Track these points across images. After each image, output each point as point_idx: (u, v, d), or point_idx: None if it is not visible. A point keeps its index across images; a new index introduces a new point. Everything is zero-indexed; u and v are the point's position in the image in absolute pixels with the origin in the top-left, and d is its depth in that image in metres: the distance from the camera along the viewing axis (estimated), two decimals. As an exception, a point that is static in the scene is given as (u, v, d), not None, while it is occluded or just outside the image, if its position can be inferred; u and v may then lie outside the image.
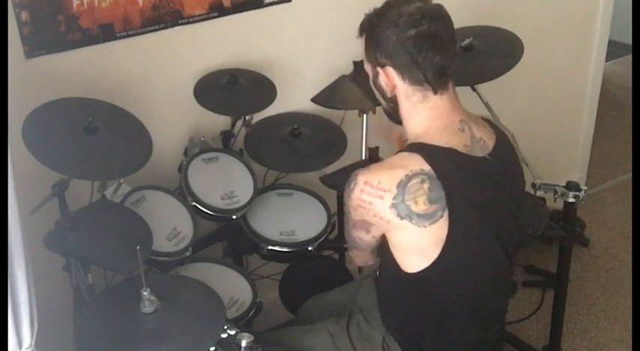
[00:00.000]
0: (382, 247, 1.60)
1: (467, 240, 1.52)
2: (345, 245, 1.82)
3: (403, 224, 1.46)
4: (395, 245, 1.54)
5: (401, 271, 1.55)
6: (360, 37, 1.59)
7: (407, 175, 1.46)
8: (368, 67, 1.60)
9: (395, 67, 1.52)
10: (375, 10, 1.55)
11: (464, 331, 1.66)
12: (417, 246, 1.51)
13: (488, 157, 1.56)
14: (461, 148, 1.52)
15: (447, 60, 1.51)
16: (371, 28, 1.53)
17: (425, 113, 1.55)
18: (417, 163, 1.47)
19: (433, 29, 1.48)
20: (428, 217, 1.46)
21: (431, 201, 1.46)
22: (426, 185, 1.45)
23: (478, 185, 1.54)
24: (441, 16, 1.51)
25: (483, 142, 1.57)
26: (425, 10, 1.49)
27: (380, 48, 1.52)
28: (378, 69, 1.55)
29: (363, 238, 1.60)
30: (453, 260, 1.51)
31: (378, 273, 1.81)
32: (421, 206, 1.45)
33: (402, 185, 1.45)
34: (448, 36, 1.51)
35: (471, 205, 1.51)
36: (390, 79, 1.54)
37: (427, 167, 1.47)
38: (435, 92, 1.53)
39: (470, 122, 1.58)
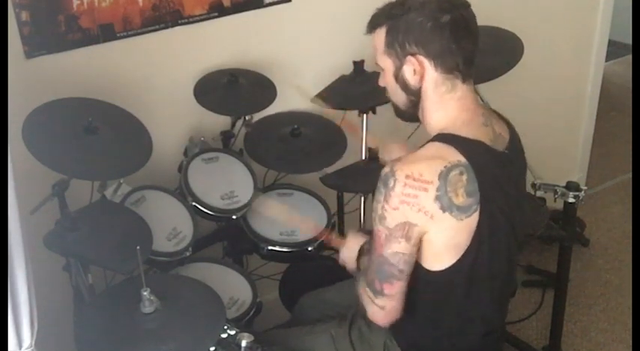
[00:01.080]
0: None
1: (491, 234, 1.50)
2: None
3: (444, 217, 1.43)
4: (430, 243, 1.48)
5: (421, 270, 1.51)
6: (372, 33, 1.54)
7: (446, 167, 1.42)
8: (387, 61, 1.54)
9: (427, 55, 1.48)
10: (393, 2, 1.52)
11: (467, 337, 1.66)
12: (452, 241, 1.47)
13: (506, 151, 1.55)
14: (487, 142, 1.51)
15: (476, 47, 1.50)
16: (394, 17, 1.49)
17: (452, 104, 1.52)
18: (453, 154, 1.45)
19: (465, 16, 1.48)
20: (465, 210, 1.44)
21: (468, 193, 1.43)
22: (464, 177, 1.43)
23: (503, 181, 1.53)
24: (466, 4, 1.50)
25: (502, 137, 1.56)
26: None
27: (410, 35, 1.47)
28: (408, 58, 1.49)
29: (401, 251, 1.46)
30: (478, 255, 1.49)
31: None
32: (460, 198, 1.42)
33: (443, 176, 1.42)
34: (475, 23, 1.51)
35: (498, 199, 1.50)
36: (421, 67, 1.49)
37: (463, 159, 1.44)
38: (464, 81, 1.51)
39: (490, 116, 1.57)
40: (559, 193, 2.23)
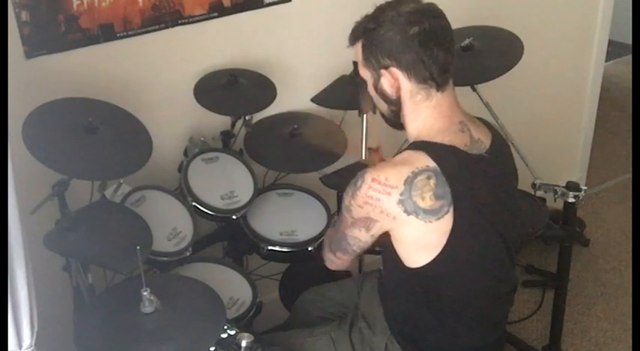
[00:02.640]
0: (385, 246, 1.60)
1: (470, 235, 1.53)
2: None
3: (409, 220, 1.48)
4: (399, 241, 1.55)
5: (404, 267, 1.56)
6: (352, 46, 1.60)
7: (413, 172, 1.48)
8: (366, 74, 1.60)
9: (400, 67, 1.52)
10: (368, 15, 1.56)
11: (466, 335, 1.66)
12: (422, 241, 1.52)
13: (485, 154, 1.58)
14: (461, 147, 1.54)
15: (450, 56, 1.53)
16: (368, 31, 1.54)
17: (428, 112, 1.56)
18: (423, 160, 1.49)
19: (435, 26, 1.51)
20: (434, 213, 1.48)
21: (437, 197, 1.47)
22: (432, 181, 1.47)
23: (478, 182, 1.55)
24: (438, 13, 1.53)
25: (481, 142, 1.59)
26: (422, 9, 1.52)
27: (382, 49, 1.52)
28: (382, 71, 1.55)
29: (359, 238, 1.60)
30: (456, 255, 1.52)
31: (381, 271, 1.79)
32: (427, 202, 1.47)
33: (408, 182, 1.47)
34: (448, 32, 1.54)
35: (474, 201, 1.53)
36: (395, 79, 1.54)
37: (432, 164, 1.49)
38: (438, 89, 1.54)
39: (468, 123, 1.60)
40: (559, 193, 2.23)
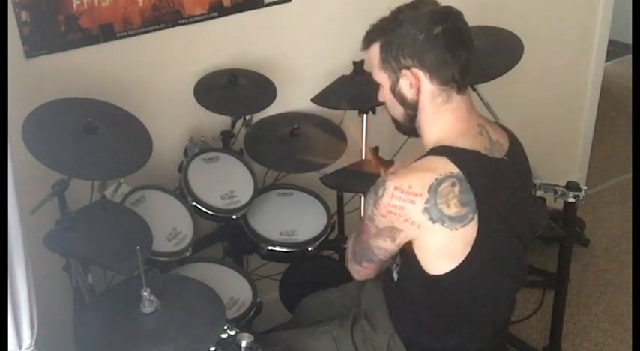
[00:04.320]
0: (403, 252, 1.58)
1: (494, 241, 1.51)
2: (345, 249, 1.78)
3: (435, 228, 1.45)
4: (423, 249, 1.51)
5: (424, 273, 1.53)
6: (367, 49, 1.56)
7: (437, 179, 1.44)
8: (383, 77, 1.56)
9: (423, 67, 1.49)
10: (384, 18, 1.53)
11: (476, 337, 1.66)
12: (447, 249, 1.49)
13: (505, 158, 1.56)
14: (483, 151, 1.52)
15: (471, 56, 1.51)
16: (388, 32, 1.51)
17: (448, 115, 1.54)
18: (446, 166, 1.46)
19: (458, 26, 1.49)
20: (460, 220, 1.45)
21: (462, 204, 1.45)
22: (456, 188, 1.44)
23: (501, 187, 1.53)
24: (458, 14, 1.52)
25: (500, 145, 1.57)
26: (443, 10, 1.50)
27: (404, 49, 1.49)
28: (403, 71, 1.51)
29: (385, 247, 1.56)
30: (480, 261, 1.50)
31: (395, 278, 1.73)
32: (453, 209, 1.44)
33: (433, 189, 1.44)
34: (468, 33, 1.52)
35: (497, 206, 1.51)
36: (417, 79, 1.51)
37: (456, 170, 1.46)
38: (459, 91, 1.53)
39: (486, 125, 1.58)
40: (559, 193, 2.23)
